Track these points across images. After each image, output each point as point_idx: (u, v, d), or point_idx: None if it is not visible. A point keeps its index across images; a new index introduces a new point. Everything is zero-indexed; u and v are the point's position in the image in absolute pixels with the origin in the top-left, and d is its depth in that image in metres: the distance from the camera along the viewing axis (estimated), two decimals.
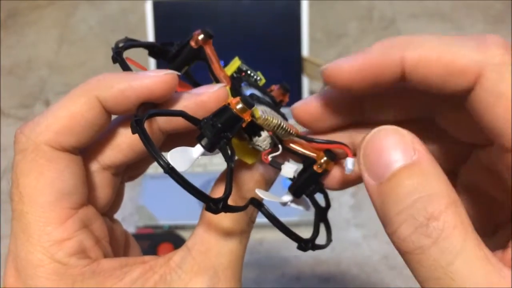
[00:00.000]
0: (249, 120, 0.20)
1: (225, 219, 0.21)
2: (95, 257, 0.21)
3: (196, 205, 0.70)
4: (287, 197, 0.23)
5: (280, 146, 0.22)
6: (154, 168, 0.73)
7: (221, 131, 0.20)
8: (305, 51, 0.76)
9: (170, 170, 0.19)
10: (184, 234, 0.65)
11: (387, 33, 1.00)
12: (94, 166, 0.23)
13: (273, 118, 0.21)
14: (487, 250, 0.16)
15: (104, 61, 0.94)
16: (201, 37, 0.23)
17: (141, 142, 0.19)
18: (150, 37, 0.76)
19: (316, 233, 0.23)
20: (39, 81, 0.92)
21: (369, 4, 1.08)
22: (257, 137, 0.22)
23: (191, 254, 0.21)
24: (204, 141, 0.20)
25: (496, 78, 0.17)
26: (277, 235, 0.62)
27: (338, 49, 0.96)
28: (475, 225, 0.21)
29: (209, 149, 0.21)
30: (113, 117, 0.22)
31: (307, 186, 0.23)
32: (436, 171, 0.17)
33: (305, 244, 0.21)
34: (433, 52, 0.18)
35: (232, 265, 0.21)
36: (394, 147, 0.17)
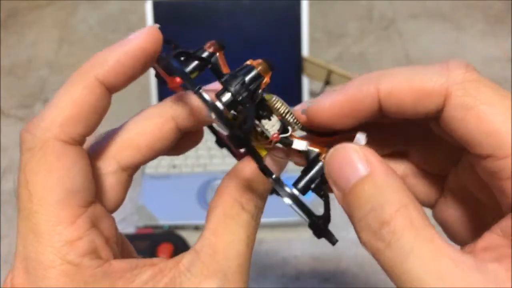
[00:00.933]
0: (268, 81, 0.21)
1: (232, 222, 0.21)
2: (106, 258, 0.20)
3: (195, 205, 0.70)
4: (295, 191, 0.22)
5: (289, 128, 0.23)
6: (154, 168, 0.73)
7: (245, 85, 0.21)
8: (305, 51, 0.77)
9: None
10: (184, 234, 0.65)
11: (387, 33, 1.00)
12: (112, 167, 0.22)
13: (283, 103, 0.22)
14: (442, 243, 0.18)
15: None
16: (213, 47, 0.24)
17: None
18: None
19: (327, 213, 0.22)
20: (39, 81, 0.92)
21: (369, 4, 1.08)
22: (267, 120, 0.22)
23: (199, 257, 0.21)
24: (225, 96, 0.20)
25: (461, 94, 0.20)
26: (277, 235, 0.62)
27: (338, 49, 0.96)
28: (463, 226, 0.23)
29: (231, 103, 0.21)
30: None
31: (313, 179, 0.22)
32: (388, 180, 0.19)
33: (319, 220, 0.21)
34: (403, 81, 0.21)
35: (240, 268, 0.21)
36: (350, 163, 0.20)
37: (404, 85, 0.21)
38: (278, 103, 0.22)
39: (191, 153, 0.76)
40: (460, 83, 0.20)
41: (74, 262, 0.19)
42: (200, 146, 0.75)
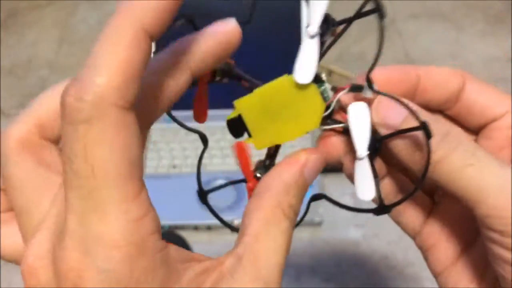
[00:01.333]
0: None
1: (274, 229, 0.20)
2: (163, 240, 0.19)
3: (196, 205, 0.70)
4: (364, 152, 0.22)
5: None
6: (154, 168, 0.73)
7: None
8: None
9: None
10: (184, 234, 0.65)
11: (387, 33, 1.00)
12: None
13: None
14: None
15: None
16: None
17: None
18: None
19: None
20: (39, 81, 0.92)
21: (369, 3, 1.08)
22: (326, 83, 0.23)
23: (241, 262, 0.20)
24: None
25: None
26: None
27: (338, 49, 0.96)
28: (455, 236, 0.25)
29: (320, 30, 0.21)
30: None
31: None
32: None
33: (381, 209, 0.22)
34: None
35: (279, 277, 0.20)
36: (395, 106, 0.22)
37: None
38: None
39: (191, 153, 0.76)
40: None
41: (139, 242, 0.17)
42: (200, 146, 0.75)
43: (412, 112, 0.21)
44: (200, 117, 0.23)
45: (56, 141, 0.23)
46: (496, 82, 0.88)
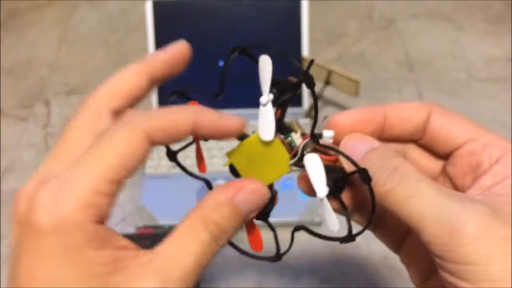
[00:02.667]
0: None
1: (189, 236, 0.22)
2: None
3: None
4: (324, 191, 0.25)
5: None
6: (154, 168, 0.73)
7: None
8: (305, 51, 0.77)
9: None
10: None
11: (387, 33, 1.00)
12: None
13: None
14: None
15: (104, 61, 0.95)
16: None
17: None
18: (150, 38, 0.76)
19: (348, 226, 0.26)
20: (39, 81, 0.92)
21: (369, 4, 1.08)
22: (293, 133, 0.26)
23: (153, 258, 0.21)
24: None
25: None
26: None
27: (338, 49, 0.96)
28: (415, 272, 0.28)
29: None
30: None
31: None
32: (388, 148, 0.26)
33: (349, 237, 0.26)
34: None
35: (182, 281, 0.21)
36: (364, 139, 0.26)
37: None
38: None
39: (191, 153, 0.76)
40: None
41: (95, 207, 0.20)
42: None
43: (351, 160, 0.24)
44: (200, 168, 0.29)
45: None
46: (496, 82, 0.88)
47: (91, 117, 0.24)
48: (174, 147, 0.26)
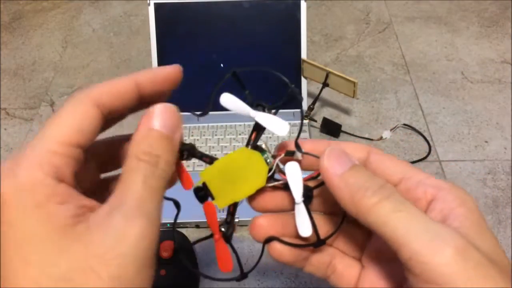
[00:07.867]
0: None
1: (133, 176, 0.23)
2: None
3: (196, 204, 0.71)
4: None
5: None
6: None
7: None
8: (304, 53, 0.77)
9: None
10: (185, 232, 0.66)
11: (384, 35, 1.01)
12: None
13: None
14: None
15: (107, 63, 0.95)
16: None
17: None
18: (153, 40, 0.77)
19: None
20: (44, 83, 0.93)
21: (366, 7, 1.10)
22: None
23: (109, 207, 0.22)
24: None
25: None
26: None
27: (336, 52, 0.97)
28: (382, 279, 0.28)
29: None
30: None
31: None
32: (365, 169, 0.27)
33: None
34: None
35: (140, 204, 0.23)
36: (346, 155, 0.26)
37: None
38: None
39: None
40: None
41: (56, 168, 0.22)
42: (201, 146, 0.76)
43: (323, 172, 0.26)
44: (185, 185, 0.28)
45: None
46: (490, 84, 0.88)
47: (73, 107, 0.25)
48: None
